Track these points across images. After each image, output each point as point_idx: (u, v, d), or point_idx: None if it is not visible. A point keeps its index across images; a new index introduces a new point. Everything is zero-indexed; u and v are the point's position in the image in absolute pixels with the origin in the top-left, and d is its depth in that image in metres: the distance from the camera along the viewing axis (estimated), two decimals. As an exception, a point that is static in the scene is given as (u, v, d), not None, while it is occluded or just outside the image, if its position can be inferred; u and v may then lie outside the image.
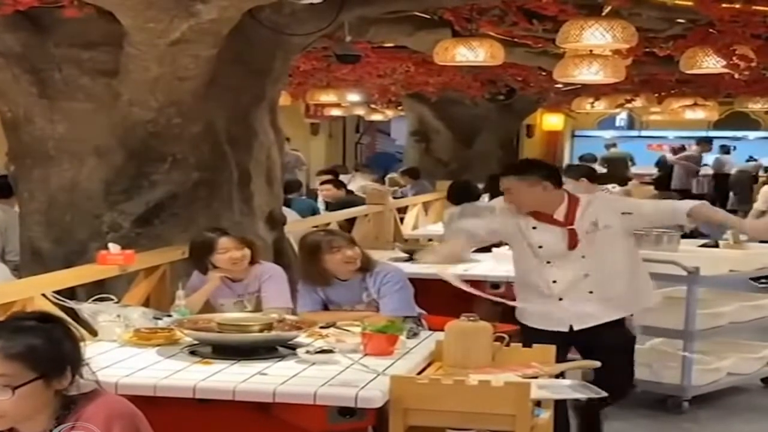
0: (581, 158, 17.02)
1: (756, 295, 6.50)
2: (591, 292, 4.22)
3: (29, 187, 5.16)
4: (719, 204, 11.68)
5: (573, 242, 4.20)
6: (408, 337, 3.87)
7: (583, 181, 7.45)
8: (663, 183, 16.95)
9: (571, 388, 3.46)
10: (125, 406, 2.17)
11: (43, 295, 4.03)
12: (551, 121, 18.96)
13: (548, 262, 4.25)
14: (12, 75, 4.95)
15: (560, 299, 4.26)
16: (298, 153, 15.78)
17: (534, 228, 4.26)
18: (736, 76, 8.02)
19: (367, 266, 4.43)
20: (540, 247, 4.26)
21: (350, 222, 8.05)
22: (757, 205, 10.15)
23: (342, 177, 11.26)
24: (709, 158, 17.84)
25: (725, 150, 18.36)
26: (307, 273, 4.45)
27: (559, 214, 4.23)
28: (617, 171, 16.23)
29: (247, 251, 4.49)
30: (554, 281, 4.25)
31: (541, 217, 4.25)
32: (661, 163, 18.38)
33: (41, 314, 2.27)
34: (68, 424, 2.11)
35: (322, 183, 10.00)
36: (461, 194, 8.12)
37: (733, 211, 9.95)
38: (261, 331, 3.63)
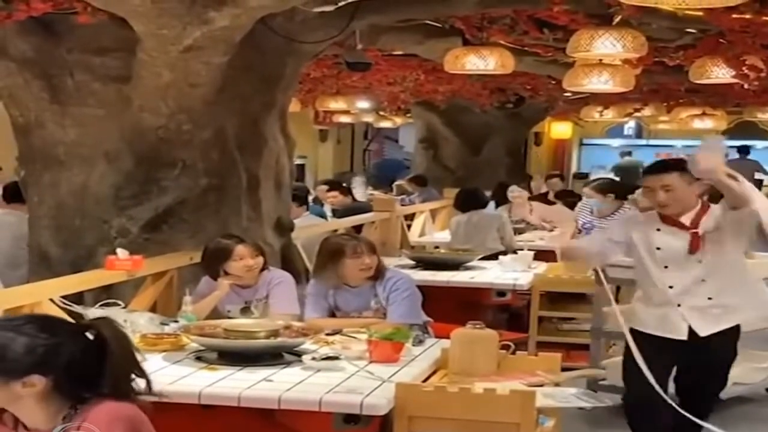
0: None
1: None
2: (710, 298, 4.15)
3: (39, 191, 5.18)
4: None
5: (695, 246, 4.11)
6: (414, 345, 3.88)
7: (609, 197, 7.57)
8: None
9: (576, 397, 3.46)
10: (129, 409, 2.17)
11: (51, 299, 4.05)
12: (559, 129, 18.92)
13: (665, 267, 4.18)
14: (24, 80, 4.98)
15: (678, 305, 4.16)
16: None
17: (658, 230, 4.20)
18: (746, 86, 8.00)
19: (378, 274, 4.45)
20: (658, 248, 4.19)
21: (357, 229, 8.06)
22: None
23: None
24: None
25: None
26: (322, 273, 4.48)
27: (687, 218, 4.16)
28: (630, 180, 16.19)
29: (260, 259, 4.52)
30: (671, 286, 4.16)
31: (667, 220, 4.19)
32: None
33: (44, 319, 2.28)
34: (74, 423, 2.13)
35: (329, 190, 10.01)
36: (469, 202, 8.13)
37: None
38: (267, 337, 3.64)
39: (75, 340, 2.17)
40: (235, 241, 4.52)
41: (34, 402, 2.15)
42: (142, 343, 3.81)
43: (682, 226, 4.14)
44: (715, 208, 4.16)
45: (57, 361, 2.14)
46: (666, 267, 4.17)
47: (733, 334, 4.23)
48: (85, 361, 2.17)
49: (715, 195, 4.25)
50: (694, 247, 4.11)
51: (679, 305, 4.15)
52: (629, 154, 19.04)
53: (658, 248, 4.17)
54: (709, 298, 4.14)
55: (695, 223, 4.13)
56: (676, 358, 4.22)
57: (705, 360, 4.21)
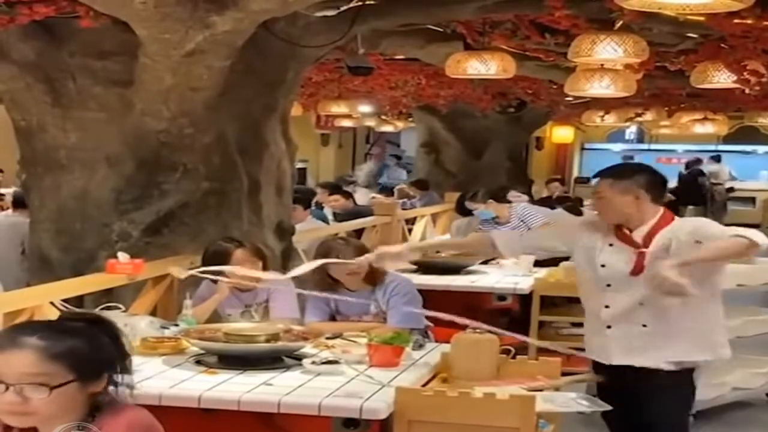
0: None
1: (762, 310, 6.48)
2: (645, 326, 3.66)
3: (40, 195, 5.20)
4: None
5: (638, 267, 3.62)
6: (414, 349, 3.88)
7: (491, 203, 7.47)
8: (678, 197, 16.78)
9: (576, 401, 3.46)
10: (147, 418, 2.17)
11: (52, 303, 4.06)
12: (561, 133, 18.94)
13: (608, 285, 3.72)
14: (26, 84, 4.99)
15: (608, 326, 3.73)
16: None
17: (611, 245, 3.72)
18: (747, 90, 8.01)
19: (376, 278, 4.44)
20: (603, 266, 3.72)
21: (358, 233, 8.07)
22: None
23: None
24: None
25: None
26: (317, 278, 4.47)
27: (639, 234, 3.66)
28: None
29: (259, 264, 4.51)
30: (606, 306, 3.73)
31: (620, 234, 3.71)
32: (680, 178, 18.00)
33: (91, 317, 2.26)
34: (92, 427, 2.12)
35: (331, 194, 10.03)
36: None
37: None
38: (267, 341, 3.64)
39: (100, 333, 2.16)
40: (235, 245, 4.52)
41: (80, 405, 2.12)
42: (143, 346, 3.81)
43: (631, 243, 3.68)
44: (680, 230, 3.64)
45: (107, 358, 2.12)
46: (608, 286, 3.72)
47: (674, 376, 3.67)
48: (113, 352, 2.15)
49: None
50: (638, 268, 3.63)
51: (609, 327, 3.72)
52: (631, 158, 19.03)
53: (603, 265, 3.73)
54: (644, 325, 3.66)
55: (647, 240, 3.65)
56: (612, 389, 3.74)
57: (644, 393, 3.69)
